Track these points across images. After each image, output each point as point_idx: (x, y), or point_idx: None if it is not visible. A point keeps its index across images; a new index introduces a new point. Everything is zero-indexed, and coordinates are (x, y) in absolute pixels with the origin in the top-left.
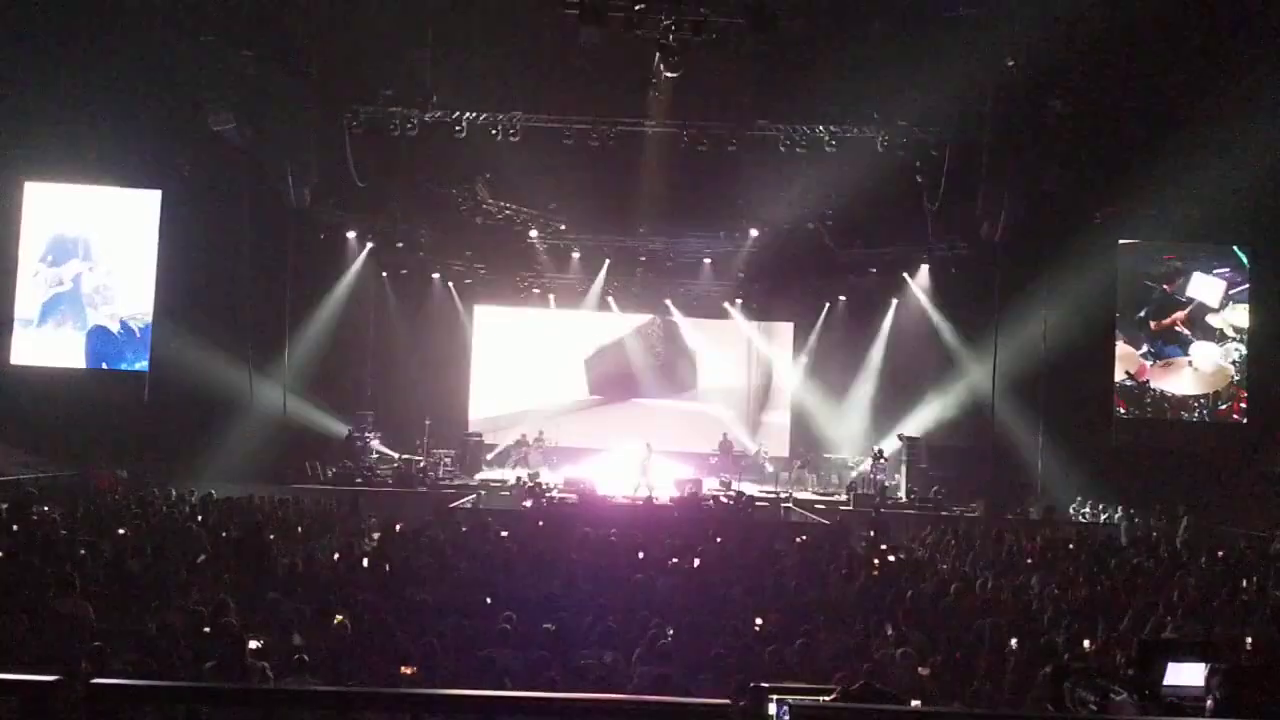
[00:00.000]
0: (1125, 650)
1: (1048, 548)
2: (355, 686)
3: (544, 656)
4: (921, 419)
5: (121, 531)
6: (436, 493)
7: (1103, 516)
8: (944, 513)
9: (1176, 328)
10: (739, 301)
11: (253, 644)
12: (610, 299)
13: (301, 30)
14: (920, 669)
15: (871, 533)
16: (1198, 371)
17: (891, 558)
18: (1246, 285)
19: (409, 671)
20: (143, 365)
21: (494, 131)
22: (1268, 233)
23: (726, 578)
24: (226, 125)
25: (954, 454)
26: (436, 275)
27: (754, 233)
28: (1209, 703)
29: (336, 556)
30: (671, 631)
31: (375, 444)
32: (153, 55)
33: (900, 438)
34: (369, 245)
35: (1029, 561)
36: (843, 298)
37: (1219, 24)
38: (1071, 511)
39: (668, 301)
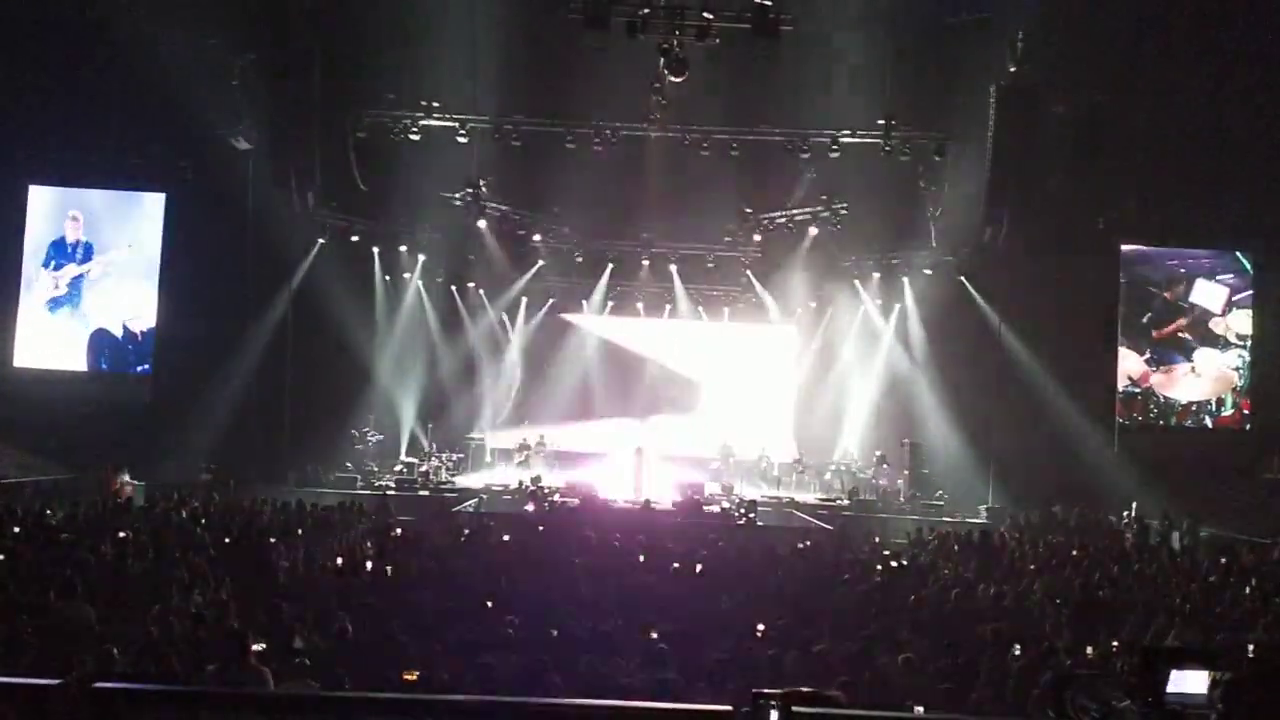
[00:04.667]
0: (1128, 657)
1: (1051, 553)
2: (356, 691)
3: (545, 661)
4: (924, 423)
5: (123, 534)
6: (438, 496)
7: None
8: (947, 517)
9: (1179, 334)
10: (741, 306)
11: (254, 647)
12: (612, 303)
13: (305, 35)
14: (922, 675)
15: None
16: (1200, 377)
17: (894, 563)
18: (1249, 291)
19: (410, 676)
20: (145, 368)
21: (497, 136)
22: (1271, 238)
23: (728, 583)
24: (232, 130)
25: (956, 459)
26: (439, 279)
27: (757, 237)
28: (1213, 715)
29: (339, 560)
30: (673, 637)
31: (377, 447)
32: (157, 59)
33: (903, 442)
34: (373, 249)
35: (1032, 567)
36: (845, 302)
37: (1221, 28)
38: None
39: (669, 305)
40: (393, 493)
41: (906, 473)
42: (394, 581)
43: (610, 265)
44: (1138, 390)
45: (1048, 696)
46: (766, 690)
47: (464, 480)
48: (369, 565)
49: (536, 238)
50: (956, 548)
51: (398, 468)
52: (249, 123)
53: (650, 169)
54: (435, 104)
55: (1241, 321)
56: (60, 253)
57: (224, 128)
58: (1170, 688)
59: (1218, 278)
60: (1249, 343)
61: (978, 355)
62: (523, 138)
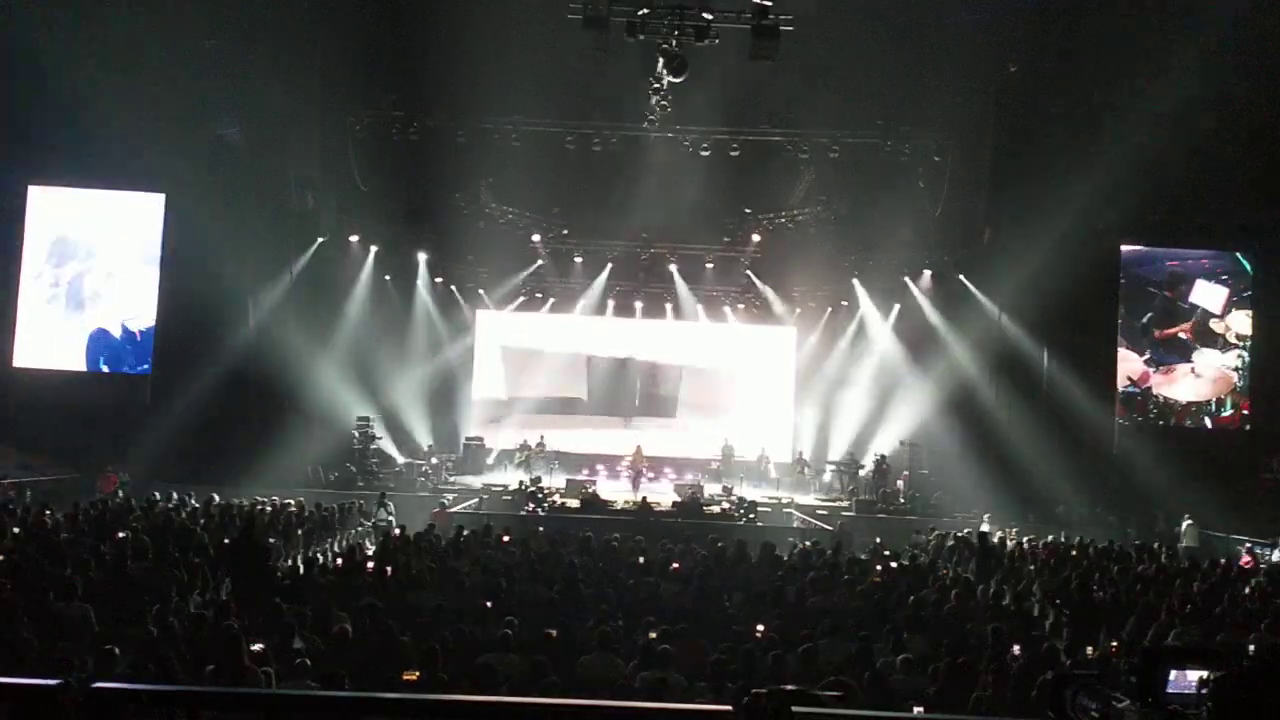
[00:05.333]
0: (1128, 657)
1: (1050, 554)
2: (355, 691)
3: (545, 662)
4: (924, 424)
5: (122, 534)
6: (438, 496)
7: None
8: (945, 518)
9: (1179, 334)
10: (741, 306)
11: (253, 647)
12: (611, 303)
13: (305, 35)
14: (921, 675)
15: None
16: (1200, 378)
17: (894, 564)
18: (1249, 292)
19: (410, 676)
20: (144, 368)
21: (496, 136)
22: (1270, 239)
23: (728, 583)
24: (230, 130)
25: (956, 459)
26: (439, 279)
27: (756, 237)
28: (1204, 710)
29: (339, 560)
30: (673, 637)
31: (377, 447)
32: (156, 59)
33: (902, 443)
34: (372, 249)
35: (1031, 568)
36: (845, 302)
37: (1218, 26)
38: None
39: (669, 305)
40: (392, 493)
41: (906, 473)
42: (394, 582)
43: (609, 265)
44: (1138, 390)
45: (1047, 696)
46: (766, 690)
47: (464, 481)
48: (369, 565)
49: (536, 238)
50: (956, 548)
51: (398, 468)
52: (247, 122)
53: (650, 169)
54: (435, 104)
55: (1241, 322)
56: (63, 250)
57: (222, 127)
58: (1170, 687)
59: (1218, 278)
60: (1249, 343)
61: (977, 355)
62: (522, 138)
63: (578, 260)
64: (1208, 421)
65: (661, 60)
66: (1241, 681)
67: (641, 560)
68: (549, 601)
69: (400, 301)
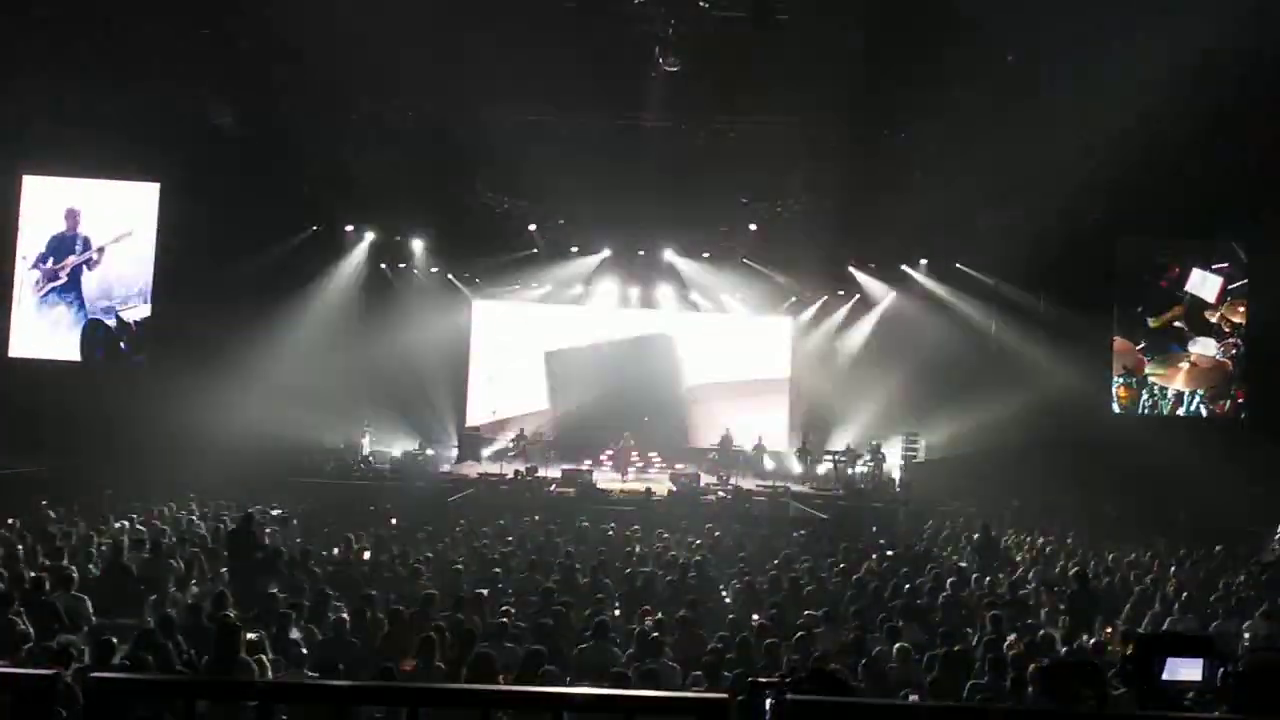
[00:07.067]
0: (1123, 645)
1: (1046, 542)
2: (352, 681)
3: (541, 651)
4: (921, 414)
5: (119, 525)
6: (434, 486)
7: None
8: (941, 507)
9: (1175, 324)
10: (738, 295)
11: (250, 637)
12: (608, 293)
13: (301, 23)
14: (917, 663)
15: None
16: (1196, 367)
17: (890, 552)
18: (1245, 281)
19: (407, 666)
20: (140, 359)
21: (492, 125)
22: (1266, 228)
23: (724, 572)
24: (225, 119)
25: (952, 448)
26: (435, 269)
27: (753, 226)
28: (1221, 703)
29: (336, 551)
30: (669, 626)
31: (373, 438)
32: (152, 47)
33: (899, 432)
34: (367, 237)
35: (1027, 556)
36: (842, 291)
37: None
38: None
39: (665, 294)
40: (389, 483)
41: (902, 462)
42: (390, 571)
43: (606, 255)
44: (1133, 379)
45: (1044, 684)
46: (763, 679)
47: (460, 470)
48: (365, 555)
49: (532, 227)
50: (952, 537)
51: (394, 457)
52: (243, 111)
53: (645, 157)
54: (432, 93)
55: (1236, 311)
56: (60, 245)
57: (217, 116)
58: (1165, 675)
59: (1213, 267)
60: (1244, 332)
61: (973, 344)
62: (518, 126)
63: (574, 250)
64: (1203, 410)
65: (657, 47)
66: (1259, 675)
67: (638, 549)
68: (544, 591)
69: (395, 291)
